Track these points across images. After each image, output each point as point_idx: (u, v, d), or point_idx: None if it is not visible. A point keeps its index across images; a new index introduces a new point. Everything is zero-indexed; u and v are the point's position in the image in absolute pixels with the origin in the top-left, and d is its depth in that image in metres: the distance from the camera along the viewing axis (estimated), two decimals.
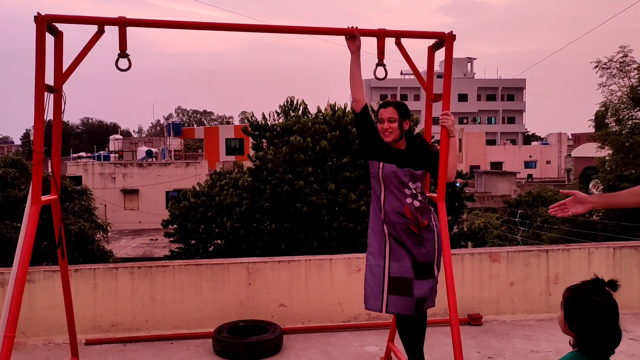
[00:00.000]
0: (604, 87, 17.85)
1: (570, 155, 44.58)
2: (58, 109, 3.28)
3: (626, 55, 17.47)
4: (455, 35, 3.37)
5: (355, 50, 3.39)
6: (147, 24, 3.25)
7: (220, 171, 15.67)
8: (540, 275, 5.35)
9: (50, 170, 3.54)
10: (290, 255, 5.41)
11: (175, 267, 4.95)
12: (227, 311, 4.89)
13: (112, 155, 40.77)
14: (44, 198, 3.18)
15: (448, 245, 3.29)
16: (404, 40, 3.48)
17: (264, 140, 14.93)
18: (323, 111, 14.65)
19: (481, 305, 5.24)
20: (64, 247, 3.53)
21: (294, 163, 13.01)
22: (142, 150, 39.60)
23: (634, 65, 17.36)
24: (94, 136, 63.24)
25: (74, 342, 3.85)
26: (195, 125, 73.79)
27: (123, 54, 3.12)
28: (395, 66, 66.77)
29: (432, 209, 3.44)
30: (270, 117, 15.19)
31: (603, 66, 17.67)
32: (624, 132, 17.35)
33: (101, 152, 41.83)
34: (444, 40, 3.41)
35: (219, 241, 14.23)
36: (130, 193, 31.34)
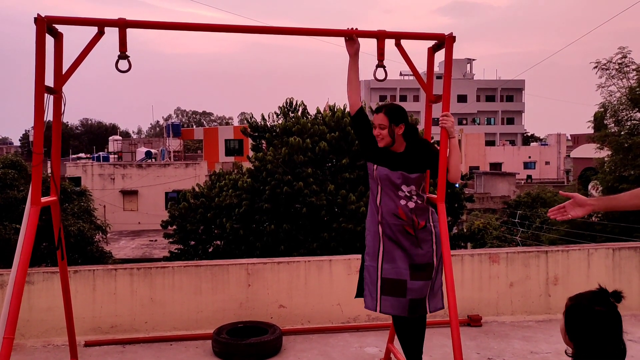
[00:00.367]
0: (603, 88, 17.86)
1: (569, 156, 44.63)
2: (58, 110, 3.28)
3: (625, 57, 17.48)
4: (455, 37, 3.38)
5: (353, 54, 3.41)
6: (146, 26, 3.25)
7: (219, 172, 15.66)
8: (540, 276, 5.35)
9: (49, 171, 3.53)
10: (290, 256, 5.42)
11: (175, 268, 4.95)
12: (227, 312, 4.89)
13: (111, 156, 40.74)
14: (43, 199, 3.17)
15: (448, 246, 3.29)
16: (403, 42, 3.49)
17: (263, 141, 14.93)
18: (322, 112, 14.65)
19: (481, 306, 5.24)
20: (63, 249, 3.53)
21: (293, 164, 13.01)
22: (141, 151, 39.58)
23: (633, 67, 17.38)
24: (93, 137, 63.21)
25: (73, 344, 3.85)
26: (194, 126, 73.79)
27: (123, 55, 3.12)
28: (395, 67, 66.84)
29: (432, 209, 3.42)
30: (269, 118, 15.20)
31: (602, 67, 17.69)
32: (622, 133, 17.36)
33: (100, 153, 41.79)
34: (443, 41, 3.41)
35: (218, 242, 14.22)
36: (129, 194, 31.33)
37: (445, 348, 4.46)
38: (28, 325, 4.64)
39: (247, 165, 15.46)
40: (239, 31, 3.49)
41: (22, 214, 3.29)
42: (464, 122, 67.29)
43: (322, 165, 13.50)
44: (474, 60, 72.42)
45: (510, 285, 5.31)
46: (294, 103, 15.20)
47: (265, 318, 4.90)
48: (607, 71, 17.65)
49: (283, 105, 15.22)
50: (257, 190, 13.19)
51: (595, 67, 17.84)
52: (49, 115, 3.16)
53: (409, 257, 3.31)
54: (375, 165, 3.37)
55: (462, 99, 66.89)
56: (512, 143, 65.31)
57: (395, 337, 4.26)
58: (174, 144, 40.69)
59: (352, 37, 3.35)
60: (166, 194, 30.54)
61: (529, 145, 65.03)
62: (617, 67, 17.51)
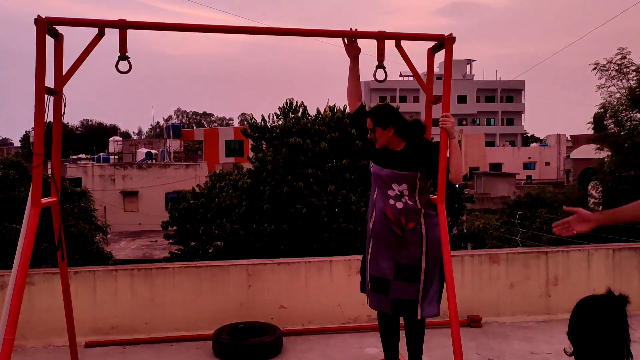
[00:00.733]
0: (603, 89, 17.88)
1: (569, 156, 44.62)
2: (58, 111, 3.29)
3: (624, 57, 17.50)
4: (454, 38, 3.38)
5: (353, 58, 3.45)
6: (147, 27, 3.25)
7: (219, 173, 15.67)
8: (540, 277, 5.35)
9: (50, 172, 3.54)
10: (290, 256, 5.41)
11: (175, 269, 4.95)
12: (227, 313, 4.89)
13: (111, 157, 40.77)
14: (44, 200, 3.18)
15: (448, 247, 3.29)
16: (403, 42, 3.49)
17: (263, 142, 14.93)
18: (322, 113, 14.66)
19: (481, 307, 5.24)
20: (64, 250, 3.53)
21: (293, 165, 13.02)
22: (141, 152, 39.61)
23: (633, 67, 17.39)
24: (94, 138, 63.20)
25: (74, 345, 3.85)
26: (194, 127, 73.80)
27: (123, 56, 3.13)
28: (395, 68, 66.89)
29: (428, 212, 3.35)
30: (269, 118, 15.21)
31: (601, 68, 17.70)
32: (622, 133, 17.37)
33: (101, 153, 41.78)
34: (443, 42, 3.42)
35: (218, 243, 14.22)
36: (129, 195, 31.34)
37: (446, 348, 4.46)
38: (28, 326, 4.64)
39: (247, 166, 15.47)
40: (239, 32, 3.49)
41: (22, 215, 3.30)
42: (464, 122, 67.31)
43: (323, 166, 13.50)
44: (473, 61, 72.51)
45: (510, 285, 5.31)
46: (294, 104, 15.21)
47: (265, 319, 4.90)
48: (607, 72, 17.66)
49: (283, 106, 15.23)
50: (258, 191, 13.19)
51: (595, 68, 17.86)
52: (49, 116, 3.16)
53: (394, 257, 3.31)
54: (371, 162, 3.45)
55: (462, 99, 66.91)
56: (512, 144, 65.32)
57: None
58: (175, 144, 40.72)
59: (352, 41, 3.37)
60: (166, 194, 30.55)
61: (529, 145, 65.03)
62: (616, 68, 17.53)
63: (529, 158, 56.58)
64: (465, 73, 70.37)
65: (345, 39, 3.44)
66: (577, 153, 32.40)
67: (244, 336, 4.47)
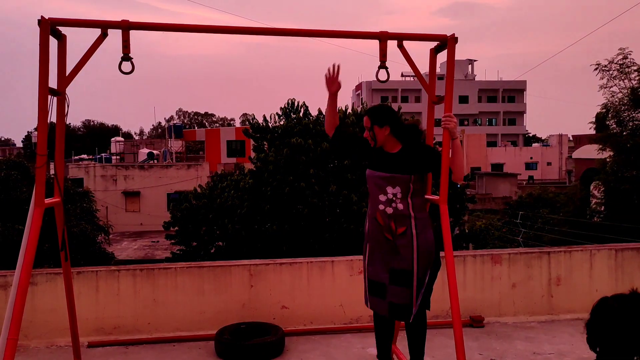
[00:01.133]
0: (605, 89, 17.84)
1: (571, 156, 44.52)
2: (61, 112, 3.30)
3: (626, 57, 17.46)
4: (457, 38, 3.38)
5: (333, 93, 3.46)
6: (149, 27, 3.26)
7: (221, 173, 15.69)
8: (542, 277, 5.35)
9: (53, 172, 3.54)
10: (292, 257, 5.41)
11: (178, 269, 4.96)
12: (229, 313, 4.90)
13: (113, 157, 40.81)
14: (47, 201, 3.19)
15: (450, 247, 3.29)
16: (405, 43, 3.49)
17: (265, 142, 14.93)
18: (324, 113, 14.68)
19: (483, 307, 5.24)
20: (67, 250, 3.54)
21: (295, 165, 13.02)
22: (143, 152, 39.66)
23: (634, 67, 17.36)
24: (96, 138, 63.27)
25: (77, 345, 3.86)
26: (196, 127, 73.89)
27: (126, 57, 3.13)
28: (396, 68, 66.89)
29: (415, 214, 3.29)
30: (271, 119, 15.20)
31: (603, 69, 17.66)
32: (625, 133, 17.34)
33: (103, 154, 41.87)
34: (445, 42, 3.42)
35: (220, 243, 14.23)
36: (131, 195, 31.38)
37: (448, 349, 4.46)
38: (31, 326, 4.65)
39: (249, 166, 15.48)
40: (241, 32, 3.50)
41: (25, 215, 3.30)
42: (466, 122, 67.25)
43: (324, 166, 13.50)
44: (475, 61, 72.49)
45: (512, 286, 5.31)
46: (296, 104, 15.21)
47: (267, 319, 4.90)
48: (609, 72, 17.63)
49: (285, 106, 15.23)
50: (259, 191, 13.20)
51: (596, 68, 17.82)
52: (52, 117, 3.17)
53: (388, 261, 3.32)
54: (367, 167, 3.44)
55: (463, 99, 66.86)
56: (514, 144, 65.24)
57: (398, 338, 4.27)
58: (176, 145, 40.76)
59: (334, 77, 3.42)
60: (168, 195, 30.57)
61: (531, 146, 64.96)
62: (618, 68, 17.50)
63: (531, 158, 56.50)
64: (467, 73, 70.33)
65: (327, 74, 3.43)
66: (579, 153, 32.34)
67: (247, 336, 4.47)
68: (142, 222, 30.29)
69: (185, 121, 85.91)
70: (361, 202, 12.43)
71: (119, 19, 3.12)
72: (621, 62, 17.49)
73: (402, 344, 4.48)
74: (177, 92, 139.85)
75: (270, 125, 14.97)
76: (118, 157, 41.62)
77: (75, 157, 42.09)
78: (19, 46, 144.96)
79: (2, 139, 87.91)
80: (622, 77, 17.57)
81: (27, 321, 4.47)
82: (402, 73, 67.20)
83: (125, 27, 3.10)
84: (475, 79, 70.92)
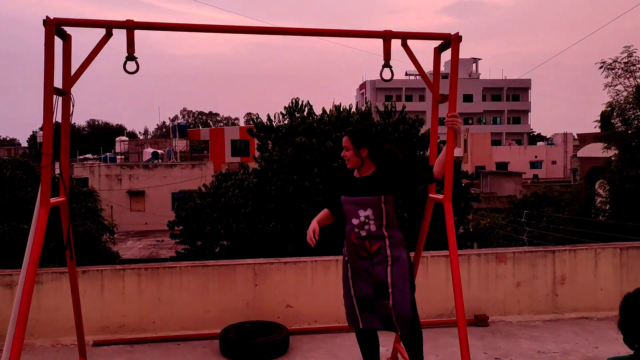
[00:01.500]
0: (610, 87, 17.77)
1: (576, 155, 44.35)
2: (66, 112, 3.31)
3: (631, 55, 17.39)
4: (461, 37, 3.38)
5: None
6: (154, 27, 3.27)
7: (225, 172, 15.69)
8: (547, 276, 5.34)
9: (58, 172, 3.55)
10: (296, 256, 5.42)
11: (182, 268, 4.98)
12: (234, 312, 4.91)
13: (118, 157, 40.93)
14: (52, 200, 3.20)
15: (455, 246, 3.29)
16: (409, 42, 3.49)
17: (269, 142, 14.93)
18: (328, 112, 14.66)
19: (487, 306, 5.24)
20: (72, 249, 3.55)
21: (299, 164, 13.02)
22: (147, 151, 39.74)
23: (639, 66, 17.28)
24: (100, 138, 63.46)
25: (82, 344, 3.88)
26: (200, 127, 73.99)
27: (131, 56, 3.14)
28: (400, 67, 66.73)
29: (388, 234, 3.32)
30: (275, 118, 15.19)
31: (607, 67, 17.59)
32: (630, 132, 17.27)
33: (107, 154, 41.98)
34: (449, 41, 3.42)
35: (224, 242, 14.24)
36: (136, 194, 31.46)
37: (452, 348, 4.46)
38: (37, 325, 4.68)
39: (253, 165, 15.48)
40: (245, 32, 3.51)
41: (30, 215, 3.32)
42: (470, 121, 67.09)
43: (329, 165, 13.49)
44: (479, 59, 72.23)
45: (517, 284, 5.30)
46: (300, 103, 15.20)
47: (272, 318, 4.91)
48: (614, 70, 17.56)
49: (289, 106, 15.22)
50: (264, 191, 13.20)
51: (601, 67, 17.75)
52: (57, 117, 3.18)
53: (369, 278, 3.36)
54: (342, 196, 3.45)
55: (467, 98, 66.68)
56: (519, 142, 65.04)
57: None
58: (181, 144, 40.84)
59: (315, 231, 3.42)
60: (172, 194, 30.65)
61: (536, 144, 64.75)
62: (622, 66, 17.42)
63: (536, 157, 56.32)
64: (471, 72, 70.15)
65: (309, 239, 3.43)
66: (584, 152, 32.20)
67: (251, 335, 4.48)
68: (146, 221, 30.37)
69: (190, 121, 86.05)
70: None
71: (121, 18, 3.13)
72: (626, 61, 17.43)
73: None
74: (181, 92, 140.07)
75: (274, 124, 14.97)
76: (123, 156, 41.74)
77: (80, 157, 42.24)
78: (25, 46, 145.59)
79: (8, 138, 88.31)
80: (627, 76, 17.50)
81: (32, 320, 4.50)
82: (406, 72, 67.11)
83: (130, 26, 3.11)
84: (480, 78, 70.74)
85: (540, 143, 67.26)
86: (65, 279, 4.58)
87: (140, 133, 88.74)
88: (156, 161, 36.69)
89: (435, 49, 3.65)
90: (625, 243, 5.69)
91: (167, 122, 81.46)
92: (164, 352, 4.51)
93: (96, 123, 75.59)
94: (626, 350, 2.09)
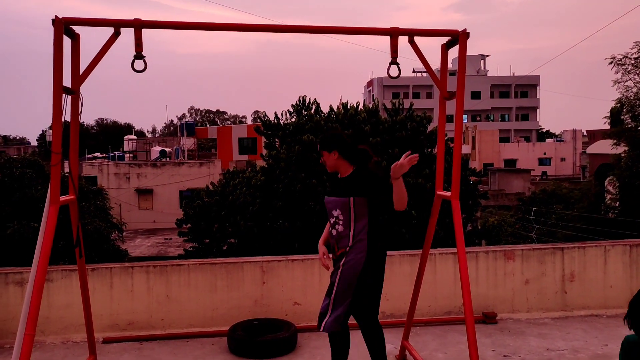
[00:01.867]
0: (619, 84, 17.61)
1: (585, 152, 44.06)
2: (75, 110, 3.33)
3: None
4: (468, 33, 3.37)
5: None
6: (162, 26, 3.28)
7: (233, 170, 15.73)
8: (556, 273, 5.31)
9: (67, 170, 3.58)
10: (304, 253, 5.43)
11: (190, 266, 5.00)
12: (242, 310, 4.93)
13: (126, 155, 41.14)
14: (62, 198, 3.23)
15: (462, 243, 3.28)
16: (416, 38, 3.48)
17: (276, 140, 14.95)
18: (335, 110, 14.65)
19: (496, 304, 5.22)
20: (81, 247, 3.58)
21: (306, 162, 13.02)
22: (155, 150, 39.92)
23: None
24: (109, 137, 63.83)
25: (92, 341, 3.91)
26: (208, 125, 74.17)
27: (139, 55, 3.16)
28: (407, 64, 66.53)
29: (356, 238, 3.30)
30: (282, 116, 15.21)
31: (618, 62, 17.43)
32: (639, 128, 17.12)
33: (116, 152, 42.23)
34: (457, 38, 3.41)
35: (232, 240, 14.28)
36: (144, 193, 31.60)
37: (461, 345, 4.45)
38: (47, 322, 4.72)
39: (260, 163, 15.51)
40: (252, 30, 3.51)
41: (40, 213, 3.34)
42: (478, 118, 66.80)
43: None
44: (487, 56, 71.78)
45: (525, 282, 5.28)
46: (307, 101, 15.20)
47: (280, 315, 4.93)
48: (623, 66, 17.39)
49: (296, 104, 15.23)
50: (271, 188, 13.23)
51: (611, 62, 17.59)
52: (66, 115, 3.21)
53: (333, 276, 3.43)
54: None
55: (475, 95, 66.35)
56: (527, 139, 64.66)
57: (411, 334, 4.26)
58: (188, 142, 40.98)
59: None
60: (180, 192, 30.76)
61: (544, 141, 64.33)
62: (633, 62, 17.26)
63: (544, 154, 55.96)
64: (479, 69, 69.77)
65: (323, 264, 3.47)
66: (593, 148, 31.96)
67: (259, 332, 4.50)
68: (154, 219, 30.50)
69: (197, 119, 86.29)
70: None
71: (127, 17, 3.15)
72: (636, 56, 17.25)
73: (413, 340, 4.49)
74: (188, 90, 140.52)
75: (281, 122, 14.98)
76: (131, 155, 41.95)
77: (89, 156, 42.50)
78: (33, 45, 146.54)
79: (17, 137, 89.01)
80: (637, 72, 17.33)
81: (43, 317, 4.54)
82: (413, 69, 66.88)
83: (138, 25, 3.12)
84: (488, 75, 70.34)
85: (549, 140, 66.82)
86: (75, 277, 4.61)
87: (148, 131, 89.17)
88: (164, 159, 36.85)
89: (442, 45, 3.63)
90: (635, 240, 5.65)
91: (175, 121, 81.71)
92: (173, 349, 4.54)
93: (105, 122, 76.02)
94: None
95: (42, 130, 62.46)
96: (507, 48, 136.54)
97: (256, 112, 79.81)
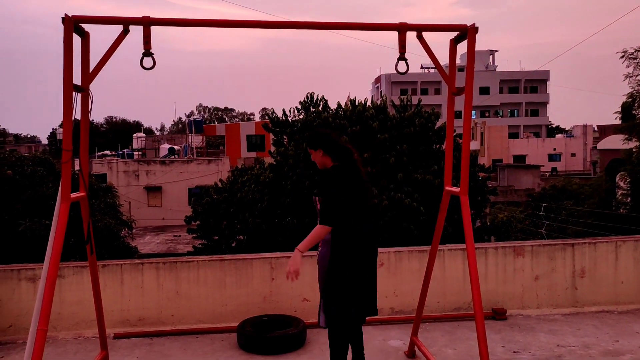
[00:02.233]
0: (631, 78, 17.44)
1: (595, 147, 43.69)
2: (85, 108, 3.36)
3: None
4: (477, 28, 3.35)
5: (299, 255, 3.36)
6: (170, 23, 3.30)
7: (241, 167, 15.77)
8: (566, 269, 5.28)
9: (77, 168, 3.61)
10: (313, 250, 5.44)
11: (200, 263, 5.02)
12: (251, 306, 4.95)
13: (135, 153, 41.35)
14: (73, 195, 3.25)
15: (472, 239, 3.27)
16: (424, 34, 3.46)
17: (284, 136, 14.96)
18: (343, 106, 14.63)
19: (505, 300, 5.20)
20: (92, 243, 3.61)
21: None
22: (164, 147, 40.10)
23: None
24: (118, 134, 64.21)
25: (103, 336, 3.94)
26: (216, 122, 74.39)
27: (148, 52, 3.17)
28: (415, 60, 66.26)
29: (333, 237, 3.34)
30: (290, 113, 15.21)
31: (629, 56, 17.26)
32: None
33: (125, 150, 42.46)
34: (466, 32, 3.39)
35: (241, 237, 14.33)
36: (153, 190, 31.77)
37: (470, 341, 4.44)
38: (59, 318, 4.77)
39: (269, 160, 15.53)
40: (259, 26, 3.52)
41: (51, 210, 3.37)
42: (487, 114, 66.42)
43: None
44: (496, 51, 71.33)
45: (535, 278, 5.25)
46: (315, 98, 15.19)
47: (289, 311, 4.94)
48: (635, 60, 17.22)
49: (304, 100, 15.22)
50: (279, 185, 13.25)
51: (622, 56, 17.42)
52: (77, 113, 3.23)
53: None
54: None
55: (484, 91, 65.97)
56: (537, 135, 64.22)
57: (420, 330, 4.26)
58: (197, 140, 41.12)
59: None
60: (189, 189, 30.89)
61: (554, 137, 63.86)
62: None
63: (554, 149, 55.55)
64: (487, 64, 69.33)
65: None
66: (604, 144, 31.67)
67: (268, 329, 4.52)
68: (164, 216, 30.67)
69: (205, 116, 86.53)
70: (381, 195, 12.40)
71: (136, 15, 3.16)
72: None
73: (423, 336, 4.49)
74: (196, 88, 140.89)
75: (289, 119, 14.98)
76: (140, 152, 42.16)
77: (99, 153, 42.78)
78: (43, 45, 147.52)
79: (28, 136, 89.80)
80: None
81: (55, 313, 4.59)
82: (421, 65, 66.59)
83: (147, 23, 3.14)
84: (497, 70, 69.88)
85: (559, 135, 66.28)
86: (86, 273, 4.66)
87: (156, 129, 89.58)
88: (173, 157, 37.01)
89: (451, 41, 3.62)
90: None
91: (183, 118, 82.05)
92: (183, 344, 4.57)
93: (114, 120, 76.45)
94: None
95: (53, 129, 62.96)
96: (516, 43, 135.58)
97: (264, 109, 79.90)
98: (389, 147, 12.55)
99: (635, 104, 17.48)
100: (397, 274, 5.13)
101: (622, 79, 17.69)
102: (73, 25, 3.05)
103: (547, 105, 70.16)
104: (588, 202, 21.36)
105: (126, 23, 3.16)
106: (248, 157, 35.28)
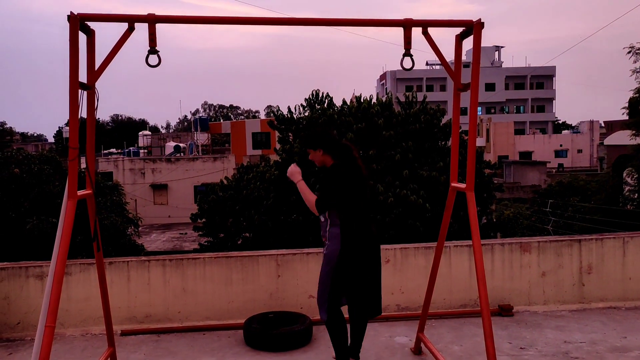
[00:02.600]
0: (638, 73, 17.32)
1: (602, 143, 43.43)
2: (91, 106, 3.36)
3: None
4: (483, 23, 3.32)
5: (299, 179, 3.62)
6: (175, 20, 3.29)
7: (247, 165, 15.79)
8: (573, 265, 5.26)
9: (84, 166, 3.62)
10: (319, 247, 5.44)
11: (206, 260, 5.04)
12: (257, 303, 4.96)
13: (141, 151, 41.48)
14: (79, 193, 3.27)
15: (478, 235, 3.26)
16: (430, 30, 3.44)
17: (290, 134, 14.96)
18: (349, 103, 14.60)
19: (512, 296, 5.19)
20: (99, 240, 3.63)
21: None
22: (170, 145, 40.21)
23: None
24: (124, 132, 64.40)
25: (111, 333, 3.96)
26: (222, 120, 74.48)
27: (153, 50, 3.17)
28: (420, 57, 66.05)
29: (329, 228, 3.51)
30: (296, 110, 15.20)
31: (637, 51, 17.13)
32: None
33: (131, 148, 42.59)
34: (471, 28, 3.37)
35: (247, 234, 14.36)
36: (159, 188, 31.89)
37: (477, 338, 4.44)
38: (67, 315, 4.80)
39: (274, 157, 15.55)
40: (264, 23, 3.51)
41: (58, 208, 3.39)
42: (492, 110, 66.16)
43: None
44: (502, 47, 70.96)
45: (542, 274, 5.24)
46: (320, 95, 15.17)
47: (295, 308, 4.95)
48: None
49: (309, 98, 15.21)
50: (285, 182, 13.25)
51: (629, 52, 17.30)
52: (83, 111, 3.24)
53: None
54: None
55: (490, 87, 65.71)
56: (543, 131, 63.90)
57: (426, 326, 4.26)
58: (202, 137, 41.18)
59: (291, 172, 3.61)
60: (195, 187, 30.98)
61: (561, 133, 63.51)
62: None
63: (561, 146, 55.28)
64: (493, 60, 68.98)
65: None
66: (611, 139, 31.50)
67: (275, 325, 4.52)
68: (170, 214, 30.78)
69: (211, 114, 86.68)
70: (387, 192, 12.38)
71: (142, 13, 3.16)
72: None
73: (429, 332, 4.48)
74: (202, 86, 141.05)
75: (295, 116, 14.98)
76: (146, 150, 42.29)
77: (105, 151, 42.94)
78: (49, 43, 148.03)
79: (35, 134, 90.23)
80: None
81: (62, 310, 4.62)
82: (427, 62, 66.40)
83: (152, 20, 3.14)
84: (503, 66, 69.54)
85: (565, 131, 65.95)
86: (93, 270, 4.68)
87: (162, 127, 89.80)
88: (178, 155, 37.10)
89: (456, 36, 3.60)
90: None
91: (189, 116, 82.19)
92: (190, 341, 4.59)
93: (120, 118, 76.70)
94: None
95: (59, 127, 63.23)
96: (522, 39, 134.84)
97: (269, 106, 79.94)
98: (395, 144, 12.53)
99: None
100: (403, 270, 5.12)
101: (630, 74, 17.57)
102: (79, 23, 3.06)
103: (554, 101, 69.80)
104: (595, 198, 21.25)
105: (131, 20, 3.16)
106: (254, 154, 35.33)
